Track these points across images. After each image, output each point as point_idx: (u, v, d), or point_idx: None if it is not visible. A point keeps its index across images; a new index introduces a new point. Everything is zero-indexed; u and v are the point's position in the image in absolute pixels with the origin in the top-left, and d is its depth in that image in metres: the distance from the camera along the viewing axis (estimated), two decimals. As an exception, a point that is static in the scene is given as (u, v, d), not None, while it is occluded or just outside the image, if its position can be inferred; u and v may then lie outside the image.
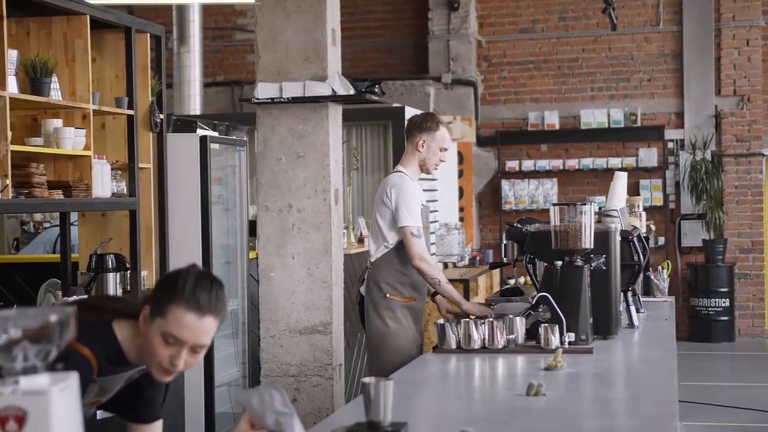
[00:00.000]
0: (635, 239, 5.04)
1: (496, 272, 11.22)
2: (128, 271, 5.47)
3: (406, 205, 5.12)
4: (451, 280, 9.12)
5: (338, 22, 6.24)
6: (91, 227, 5.63)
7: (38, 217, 8.57)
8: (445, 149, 5.33)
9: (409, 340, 5.22)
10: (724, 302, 12.17)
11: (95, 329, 2.61)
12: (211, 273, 2.69)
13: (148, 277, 5.73)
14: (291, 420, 2.55)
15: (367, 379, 2.74)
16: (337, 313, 6.06)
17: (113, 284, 5.32)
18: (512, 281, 12.24)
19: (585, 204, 4.42)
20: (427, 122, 5.31)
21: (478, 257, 10.99)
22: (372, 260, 5.32)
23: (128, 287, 5.50)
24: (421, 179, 9.55)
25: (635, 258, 4.99)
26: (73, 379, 1.76)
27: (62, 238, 5.59)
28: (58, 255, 5.72)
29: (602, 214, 5.13)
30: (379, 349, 5.24)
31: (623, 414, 3.11)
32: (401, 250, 5.22)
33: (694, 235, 12.51)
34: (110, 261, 5.33)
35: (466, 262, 10.49)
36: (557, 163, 12.74)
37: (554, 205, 4.46)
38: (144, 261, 5.66)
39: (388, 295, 5.21)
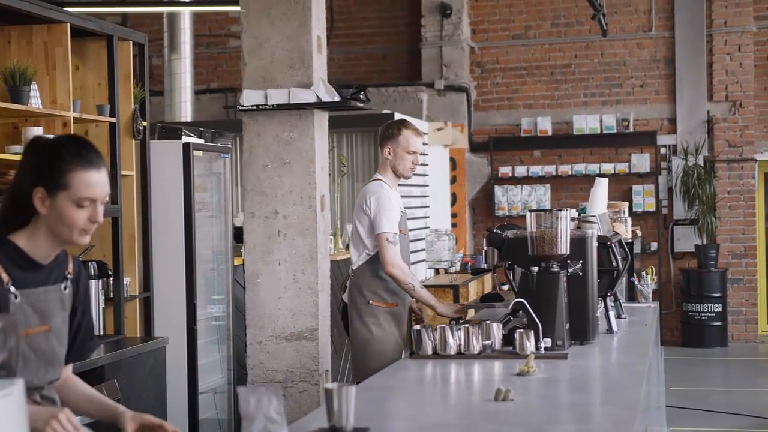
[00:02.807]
0: (614, 245, 5.05)
1: (488, 278, 11.22)
2: (110, 278, 5.49)
3: (384, 212, 5.23)
4: (441, 286, 9.20)
5: (324, 30, 6.27)
6: (75, 234, 5.65)
7: None
8: (414, 152, 5.41)
9: (393, 346, 5.27)
10: (717, 307, 12.18)
11: None
12: (72, 134, 2.79)
13: (131, 284, 5.75)
14: (280, 430, 2.57)
15: (329, 385, 2.77)
16: (324, 320, 6.08)
17: (95, 291, 5.34)
18: (506, 287, 12.24)
19: (561, 210, 4.43)
20: (389, 129, 5.45)
21: (470, 263, 10.99)
22: (354, 267, 5.42)
23: (111, 294, 5.51)
24: (411, 185, 9.62)
25: (614, 264, 5.00)
26: (17, 385, 1.78)
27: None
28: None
29: (581, 220, 5.14)
30: (363, 355, 5.29)
31: (587, 418, 3.12)
32: None
33: (686, 240, 12.53)
34: (92, 268, 5.35)
35: (458, 268, 10.50)
36: (550, 169, 12.76)
37: (531, 211, 4.48)
38: (127, 268, 5.68)
39: (371, 301, 5.31)
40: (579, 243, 4.56)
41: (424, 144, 9.00)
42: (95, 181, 2.67)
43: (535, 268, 4.41)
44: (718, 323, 12.20)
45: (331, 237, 7.71)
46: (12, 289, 2.62)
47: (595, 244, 4.70)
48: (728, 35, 12.52)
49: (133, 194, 5.80)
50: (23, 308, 2.64)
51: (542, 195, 12.79)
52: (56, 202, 2.65)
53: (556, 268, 4.43)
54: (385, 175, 5.42)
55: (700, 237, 12.33)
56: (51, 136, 2.73)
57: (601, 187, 5.48)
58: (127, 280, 5.66)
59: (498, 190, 12.86)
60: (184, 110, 10.43)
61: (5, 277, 2.62)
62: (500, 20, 13.08)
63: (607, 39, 12.37)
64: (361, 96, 6.32)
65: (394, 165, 5.40)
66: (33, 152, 2.72)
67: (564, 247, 4.40)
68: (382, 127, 5.53)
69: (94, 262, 5.38)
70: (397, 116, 9.79)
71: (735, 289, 12.50)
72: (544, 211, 4.46)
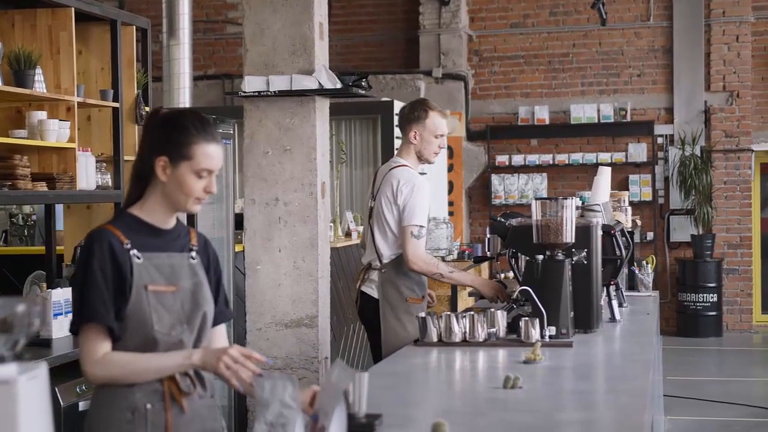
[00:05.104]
0: (618, 234, 5.06)
1: (485, 266, 11.24)
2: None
3: (416, 203, 4.96)
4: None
5: (326, 16, 6.26)
6: (77, 219, 5.64)
7: (27, 209, 8.57)
8: (441, 135, 5.14)
9: None
10: (712, 297, 12.21)
11: (113, 218, 2.89)
12: (191, 109, 2.99)
13: (133, 270, 5.73)
14: (295, 416, 2.58)
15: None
16: (324, 307, 6.08)
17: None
18: (501, 275, 12.26)
19: (566, 198, 4.43)
20: (415, 111, 5.15)
21: (467, 251, 11.00)
22: (384, 261, 5.12)
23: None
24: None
25: (617, 252, 5.01)
26: (41, 369, 1.78)
27: (47, 229, 5.59)
28: (43, 247, 5.72)
29: (585, 209, 5.14)
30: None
31: (596, 406, 3.13)
32: None
33: (682, 230, 12.55)
34: (95, 254, 5.32)
35: (455, 256, 10.50)
36: (547, 158, 12.77)
37: (536, 199, 4.47)
38: (129, 253, 5.66)
39: (408, 299, 5.07)
40: (584, 231, 4.56)
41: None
42: (215, 154, 2.83)
43: (540, 257, 4.41)
44: (713, 313, 12.24)
45: (331, 224, 7.70)
46: (134, 251, 2.79)
47: (600, 232, 4.71)
48: (726, 25, 12.52)
49: (135, 180, 5.78)
50: (147, 268, 2.80)
51: (539, 184, 12.80)
52: (177, 171, 2.80)
53: (561, 256, 4.43)
54: (409, 159, 5.14)
55: (696, 227, 12.35)
56: (171, 109, 2.94)
57: (604, 176, 5.47)
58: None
59: (495, 179, 12.87)
60: (183, 96, 10.34)
61: (125, 239, 2.79)
62: (498, 8, 13.07)
63: (605, 28, 12.37)
64: (363, 83, 6.32)
65: (419, 150, 5.12)
66: (157, 124, 2.88)
67: (569, 236, 4.40)
68: (406, 108, 5.24)
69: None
70: (398, 105, 9.80)
71: (730, 279, 12.53)
72: (550, 199, 4.45)
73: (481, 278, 5.04)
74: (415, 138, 5.13)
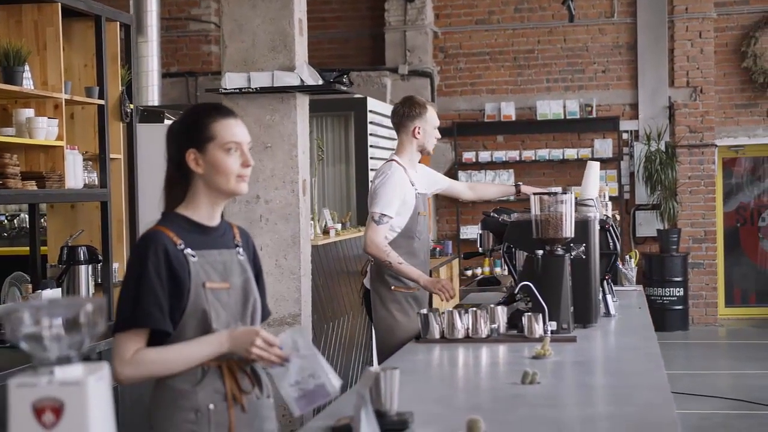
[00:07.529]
0: (611, 228, 5.07)
1: (456, 263, 11.26)
2: (100, 264, 5.39)
3: (383, 192, 5.13)
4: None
5: (305, 12, 6.22)
6: (61, 219, 5.54)
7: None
8: (437, 126, 5.39)
9: (416, 330, 5.15)
10: (678, 291, 12.31)
11: (161, 219, 2.84)
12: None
13: (120, 270, 5.65)
14: (315, 363, 2.68)
15: (373, 368, 2.73)
16: (306, 305, 6.05)
17: (85, 276, 5.24)
18: (469, 272, 12.29)
19: (565, 193, 4.43)
20: (415, 109, 5.30)
21: (437, 248, 11.00)
22: None
23: (100, 279, 5.42)
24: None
25: (611, 246, 5.02)
26: (105, 369, 1.73)
27: (31, 229, 5.49)
28: (27, 248, 5.61)
29: (578, 204, 5.14)
30: (389, 342, 5.16)
31: (622, 401, 3.11)
32: (401, 240, 5.18)
33: (648, 225, 12.64)
34: (82, 253, 5.25)
35: (426, 253, 10.49)
36: (514, 155, 12.80)
37: (535, 194, 4.46)
38: (115, 253, 5.58)
39: (393, 287, 5.21)
40: (582, 226, 4.56)
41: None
42: (235, 127, 2.83)
43: (540, 252, 4.41)
44: (679, 307, 12.34)
45: (310, 222, 7.65)
46: (188, 250, 2.76)
47: (597, 227, 4.71)
48: (689, 21, 12.63)
49: (120, 178, 5.69)
50: (203, 266, 2.78)
51: (506, 180, 12.81)
52: (208, 156, 2.79)
53: (560, 251, 4.42)
54: (404, 156, 5.30)
55: (661, 222, 12.45)
56: (189, 108, 2.91)
57: (594, 170, 5.47)
58: (116, 265, 5.57)
59: (462, 176, 12.87)
60: (152, 94, 10.25)
61: (178, 240, 2.77)
62: (463, 5, 13.08)
63: (570, 25, 12.41)
64: (344, 80, 6.29)
65: (422, 144, 5.30)
66: (173, 129, 2.88)
67: (569, 230, 4.40)
68: (404, 108, 5.33)
69: (83, 248, 5.27)
70: (371, 102, 9.76)
71: (695, 273, 12.64)
72: (549, 194, 4.45)
73: (426, 276, 5.15)
74: (417, 133, 5.28)
